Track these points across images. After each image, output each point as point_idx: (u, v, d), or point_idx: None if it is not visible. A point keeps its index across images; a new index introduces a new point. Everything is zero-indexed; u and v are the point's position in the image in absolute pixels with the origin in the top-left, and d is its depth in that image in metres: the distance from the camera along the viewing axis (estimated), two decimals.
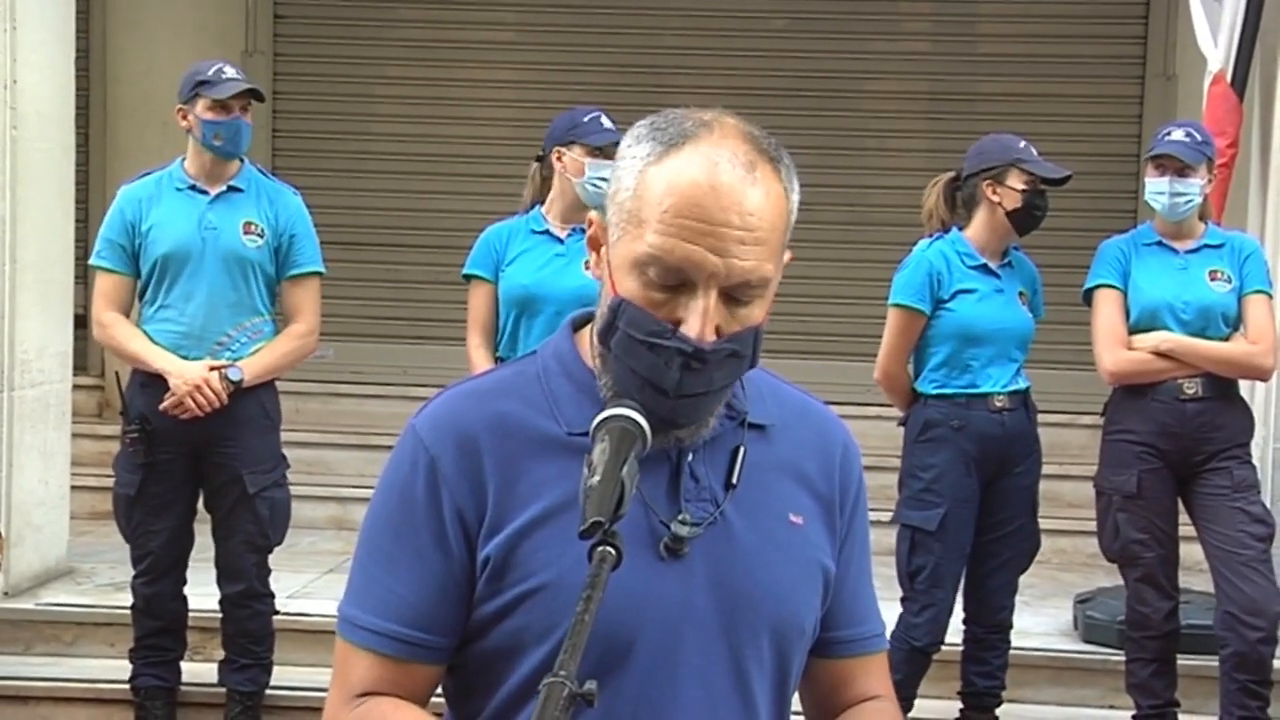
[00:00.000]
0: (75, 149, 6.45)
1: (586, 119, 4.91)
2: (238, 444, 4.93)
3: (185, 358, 4.88)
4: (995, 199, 4.93)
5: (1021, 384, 4.98)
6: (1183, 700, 5.10)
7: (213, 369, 4.85)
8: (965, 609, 5.10)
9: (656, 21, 8.83)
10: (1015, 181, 4.90)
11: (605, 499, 1.54)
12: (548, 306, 4.80)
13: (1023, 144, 4.98)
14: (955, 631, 5.13)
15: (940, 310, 4.93)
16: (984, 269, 4.96)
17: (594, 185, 4.75)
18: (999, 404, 4.92)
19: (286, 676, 5.20)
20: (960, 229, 5.02)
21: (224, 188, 4.99)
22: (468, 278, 5.02)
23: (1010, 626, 5.09)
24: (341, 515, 7.35)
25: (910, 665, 4.91)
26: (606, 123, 4.87)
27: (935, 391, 4.96)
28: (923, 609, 4.90)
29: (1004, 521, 4.99)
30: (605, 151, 4.73)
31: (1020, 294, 5.00)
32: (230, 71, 4.97)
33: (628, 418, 1.62)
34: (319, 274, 5.10)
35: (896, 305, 4.99)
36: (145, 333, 4.95)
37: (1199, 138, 4.99)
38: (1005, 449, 4.95)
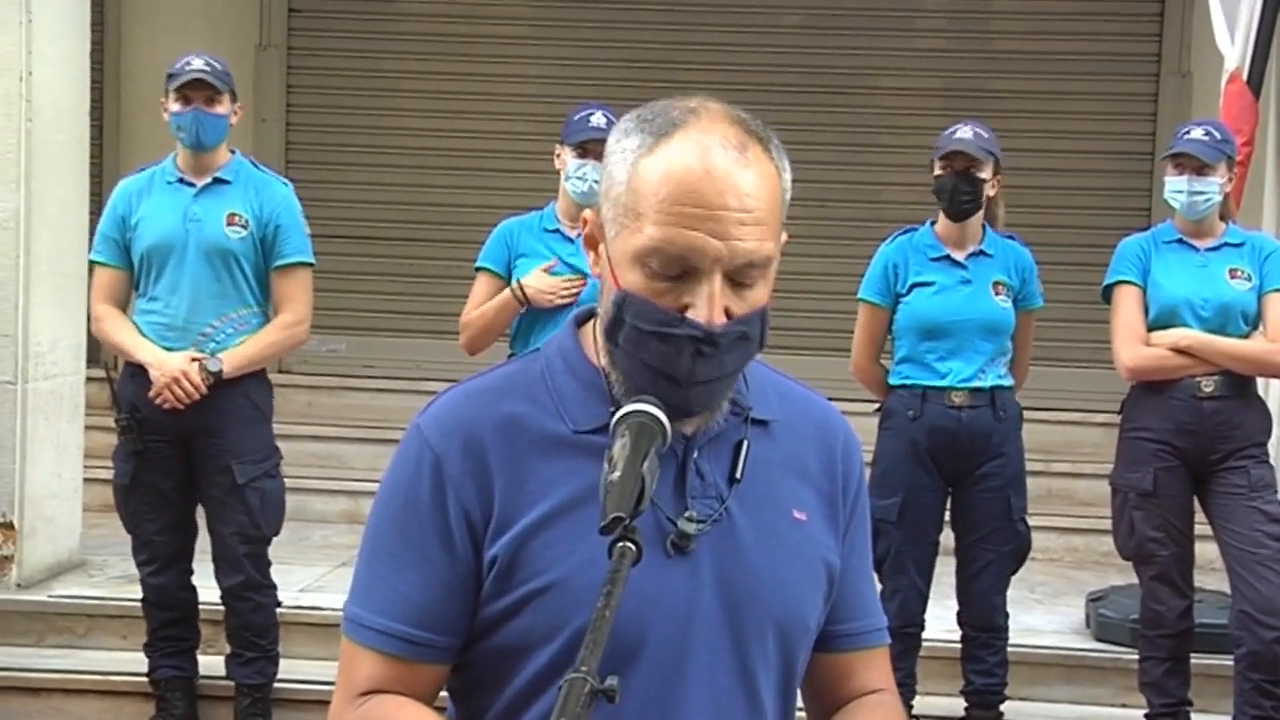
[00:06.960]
0: (90, 142, 6.45)
1: (576, 116, 4.91)
2: (225, 435, 4.92)
3: (170, 349, 4.89)
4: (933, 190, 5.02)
5: (989, 381, 4.97)
6: (1196, 699, 5.08)
7: (194, 360, 4.86)
8: (958, 609, 5.13)
9: (670, 17, 8.81)
10: (935, 168, 4.98)
11: (626, 494, 1.53)
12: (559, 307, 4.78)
13: (959, 131, 4.99)
14: (957, 629, 5.15)
15: (899, 304, 5.01)
16: (947, 260, 5.00)
17: (578, 181, 4.79)
18: (956, 400, 4.94)
19: (298, 670, 5.20)
20: (933, 223, 5.07)
21: (209, 180, 4.97)
22: (479, 270, 5.01)
23: (1003, 626, 5.09)
24: (354, 509, 7.33)
25: (894, 644, 4.92)
26: (597, 120, 4.82)
27: (899, 382, 5.03)
28: (893, 594, 4.91)
29: (979, 524, 5.01)
30: (588, 149, 4.75)
31: (996, 284, 4.99)
32: (197, 63, 4.91)
33: (648, 413, 1.61)
34: (307, 264, 5.04)
35: (860, 299, 5.11)
36: (136, 324, 4.98)
37: (1218, 136, 4.97)
38: (964, 446, 4.96)
